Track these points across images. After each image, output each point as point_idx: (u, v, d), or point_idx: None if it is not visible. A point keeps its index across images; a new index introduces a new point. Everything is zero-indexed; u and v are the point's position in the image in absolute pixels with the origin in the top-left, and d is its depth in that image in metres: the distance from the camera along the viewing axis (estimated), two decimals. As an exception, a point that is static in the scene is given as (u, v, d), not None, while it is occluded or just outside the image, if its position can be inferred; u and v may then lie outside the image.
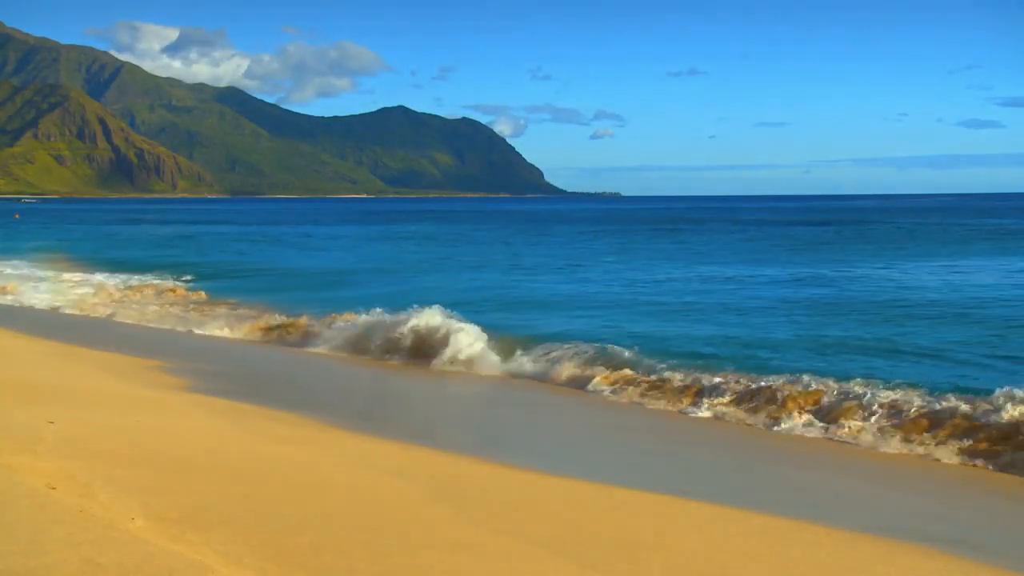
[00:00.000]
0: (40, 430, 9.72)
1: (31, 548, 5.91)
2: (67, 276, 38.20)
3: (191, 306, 29.35)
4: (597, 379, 17.14)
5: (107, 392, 13.60)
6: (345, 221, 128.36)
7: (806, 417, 14.01)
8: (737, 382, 15.68)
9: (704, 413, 14.84)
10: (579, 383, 17.32)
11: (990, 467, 11.79)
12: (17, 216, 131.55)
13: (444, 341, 19.81)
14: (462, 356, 19.35)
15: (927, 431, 12.92)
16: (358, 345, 21.08)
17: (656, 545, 7.62)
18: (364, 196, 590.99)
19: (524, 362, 18.85)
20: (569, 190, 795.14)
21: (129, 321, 26.33)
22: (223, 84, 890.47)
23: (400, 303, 22.86)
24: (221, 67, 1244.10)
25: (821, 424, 13.77)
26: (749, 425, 14.19)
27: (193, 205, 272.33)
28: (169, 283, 35.79)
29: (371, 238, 79.59)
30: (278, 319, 24.82)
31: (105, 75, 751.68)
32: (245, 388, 15.35)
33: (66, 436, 9.58)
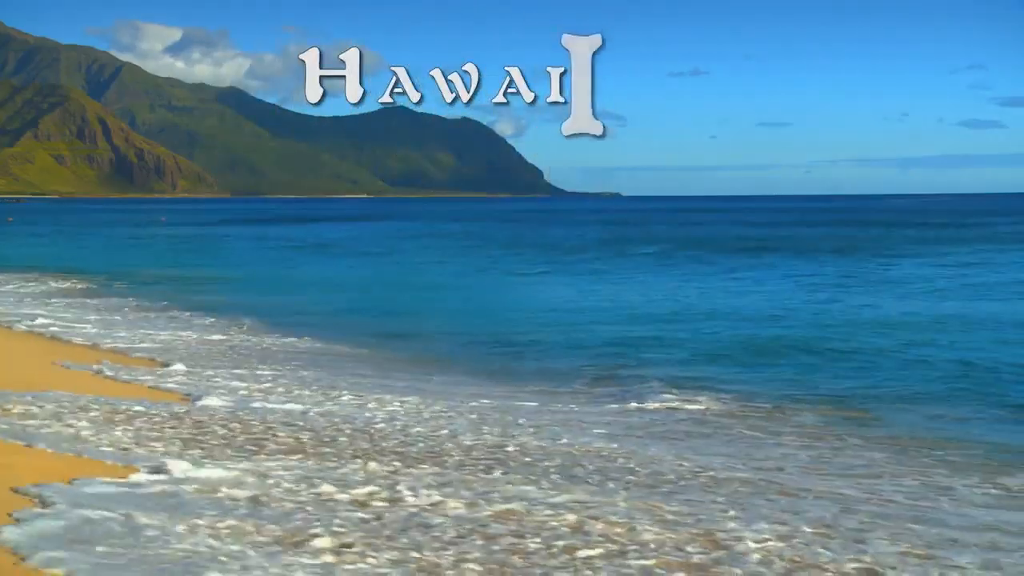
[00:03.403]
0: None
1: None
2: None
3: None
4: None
5: None
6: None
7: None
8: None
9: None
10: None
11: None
12: (10, 220, 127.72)
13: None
14: None
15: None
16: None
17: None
18: (365, 196, 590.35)
19: None
20: (569, 190, 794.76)
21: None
22: (225, 84, 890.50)
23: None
24: (223, 67, 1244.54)
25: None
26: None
27: (215, 205, 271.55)
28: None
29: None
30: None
31: (105, 75, 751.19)
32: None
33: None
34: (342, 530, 8.08)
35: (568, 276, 42.51)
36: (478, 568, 7.43)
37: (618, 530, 8.45)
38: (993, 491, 10.55)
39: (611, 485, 10.07)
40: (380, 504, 8.99)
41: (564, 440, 12.31)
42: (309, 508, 8.68)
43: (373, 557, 7.50)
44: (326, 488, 9.35)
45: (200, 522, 8.01)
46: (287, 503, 8.84)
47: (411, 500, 9.13)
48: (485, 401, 15.28)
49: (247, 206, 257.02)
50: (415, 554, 7.62)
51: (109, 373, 16.05)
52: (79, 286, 34.59)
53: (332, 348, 21.27)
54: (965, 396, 16.00)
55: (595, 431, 13.17)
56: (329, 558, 7.42)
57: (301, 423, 12.68)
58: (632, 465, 11.09)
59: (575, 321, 26.20)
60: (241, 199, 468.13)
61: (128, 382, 15.42)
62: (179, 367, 17.22)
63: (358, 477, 9.94)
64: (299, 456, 10.80)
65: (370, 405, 14.41)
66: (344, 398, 14.90)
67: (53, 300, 29.41)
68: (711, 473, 10.85)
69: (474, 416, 13.89)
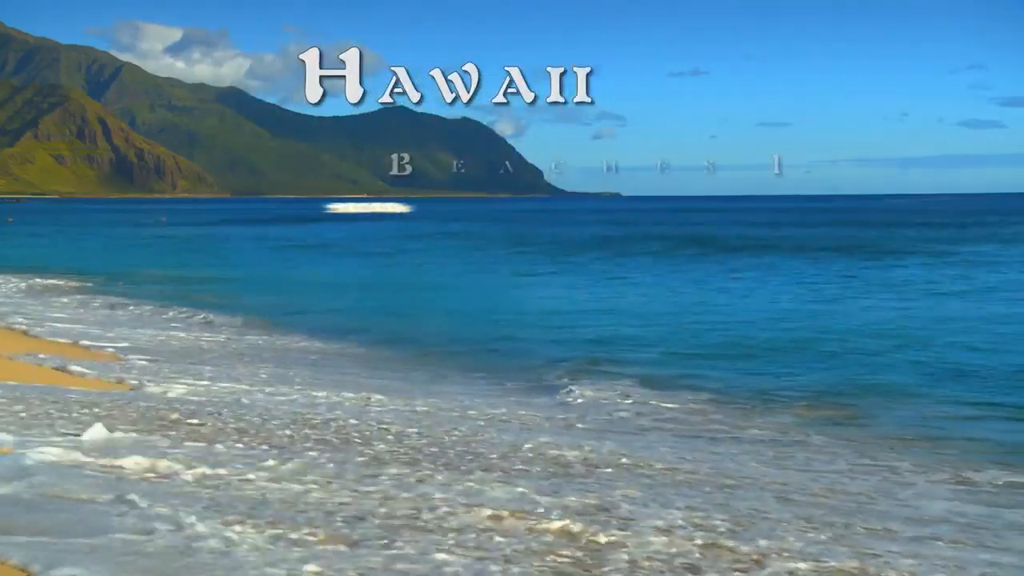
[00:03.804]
0: None
1: None
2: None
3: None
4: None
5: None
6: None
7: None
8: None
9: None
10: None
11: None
12: (10, 220, 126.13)
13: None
14: None
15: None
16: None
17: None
18: (365, 196, 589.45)
19: None
20: (569, 190, 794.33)
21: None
22: (225, 84, 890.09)
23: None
24: (223, 67, 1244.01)
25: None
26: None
27: (215, 205, 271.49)
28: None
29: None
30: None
31: (105, 75, 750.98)
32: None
33: None
34: (194, 506, 8.09)
35: (567, 276, 42.49)
36: (374, 544, 7.42)
37: (520, 517, 8.26)
38: (956, 486, 10.29)
39: (545, 480, 9.69)
40: (265, 487, 8.83)
41: (507, 436, 11.94)
42: (175, 488, 8.68)
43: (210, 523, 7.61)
44: (203, 470, 9.27)
45: (49, 489, 8.15)
46: (157, 480, 8.87)
47: (293, 486, 8.90)
48: (447, 397, 14.93)
49: (247, 206, 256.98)
50: (259, 522, 7.66)
51: (54, 364, 15.59)
52: (77, 286, 34.61)
53: (321, 347, 20.94)
54: (952, 396, 15.68)
55: (549, 427, 12.90)
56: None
57: (227, 412, 12.31)
58: (569, 458, 10.73)
59: (570, 321, 26.02)
60: (241, 199, 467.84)
61: (71, 372, 15.04)
62: (140, 362, 16.76)
63: (242, 463, 9.66)
64: (200, 442, 10.53)
65: (319, 398, 14.03)
66: (307, 392, 14.56)
67: (50, 299, 29.38)
68: (654, 466, 10.54)
69: (425, 409, 13.56)
